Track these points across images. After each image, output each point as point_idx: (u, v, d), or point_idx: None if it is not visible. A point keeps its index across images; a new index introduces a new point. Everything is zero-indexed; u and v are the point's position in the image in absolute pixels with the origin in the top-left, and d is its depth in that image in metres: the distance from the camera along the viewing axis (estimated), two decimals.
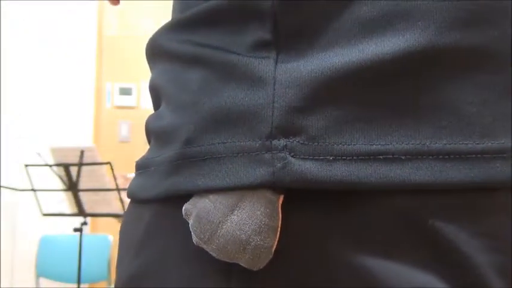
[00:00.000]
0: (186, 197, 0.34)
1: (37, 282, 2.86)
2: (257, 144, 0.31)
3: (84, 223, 2.29)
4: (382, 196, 0.31)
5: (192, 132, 0.34)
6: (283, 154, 0.31)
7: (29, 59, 3.23)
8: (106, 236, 2.91)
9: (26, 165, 2.16)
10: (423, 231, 0.31)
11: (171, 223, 0.35)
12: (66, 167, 2.12)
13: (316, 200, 0.32)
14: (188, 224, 0.33)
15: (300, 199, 0.32)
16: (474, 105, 0.32)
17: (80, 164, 2.10)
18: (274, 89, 0.32)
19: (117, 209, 2.17)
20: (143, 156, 0.40)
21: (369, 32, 0.32)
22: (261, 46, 0.33)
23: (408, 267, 0.31)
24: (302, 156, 0.31)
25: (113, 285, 2.81)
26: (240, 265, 0.32)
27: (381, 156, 0.31)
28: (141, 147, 3.21)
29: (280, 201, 0.32)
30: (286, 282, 0.32)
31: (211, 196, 0.32)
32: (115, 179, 2.05)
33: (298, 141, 0.31)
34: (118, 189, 2.08)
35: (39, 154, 2.19)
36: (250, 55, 0.33)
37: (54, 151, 2.18)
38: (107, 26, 3.39)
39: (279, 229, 0.31)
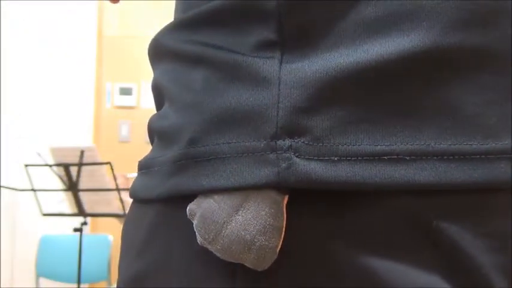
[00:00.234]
0: (189, 197, 0.34)
1: (37, 282, 2.86)
2: (262, 145, 0.31)
3: (84, 223, 2.29)
4: (387, 196, 0.31)
5: (197, 132, 0.34)
6: (288, 154, 0.31)
7: (29, 59, 3.23)
8: (106, 236, 2.91)
9: (26, 165, 2.16)
10: (428, 232, 0.31)
11: (175, 223, 0.35)
12: (66, 167, 2.12)
13: (320, 200, 0.32)
14: (192, 224, 0.33)
15: (304, 199, 0.32)
16: (478, 106, 0.32)
17: (80, 164, 2.09)
18: (279, 89, 0.32)
19: (117, 209, 2.17)
20: (146, 156, 0.40)
21: (373, 32, 0.32)
22: (265, 46, 0.33)
23: (412, 267, 0.31)
24: (307, 157, 0.31)
25: (112, 285, 2.82)
26: (245, 265, 0.32)
27: (385, 157, 0.31)
28: (141, 147, 3.22)
29: (285, 202, 0.32)
30: (290, 282, 0.32)
31: (215, 196, 0.32)
32: (115, 179, 2.05)
33: (303, 142, 0.31)
34: (118, 189, 2.08)
35: (39, 154, 2.19)
36: (255, 55, 0.33)
37: (54, 151, 2.18)
38: (107, 26, 3.39)
39: (283, 229, 0.31)
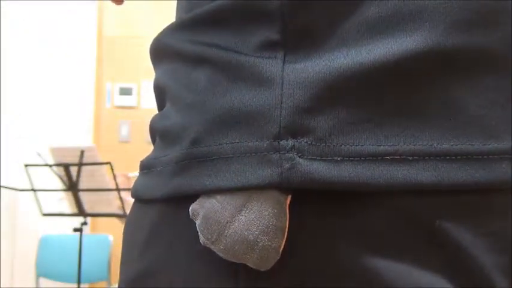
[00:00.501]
0: (192, 197, 0.34)
1: (37, 282, 2.85)
2: (265, 145, 0.31)
3: (84, 223, 2.29)
4: (389, 196, 0.31)
5: (199, 133, 0.34)
6: (291, 155, 0.31)
7: (29, 59, 3.23)
8: (106, 236, 2.91)
9: (26, 165, 2.16)
10: (430, 232, 0.31)
11: (177, 223, 0.35)
12: (66, 167, 2.12)
13: (323, 200, 0.32)
14: (194, 223, 0.33)
15: (307, 199, 0.32)
16: (480, 107, 0.32)
17: (80, 164, 2.09)
18: (282, 90, 0.32)
19: (118, 208, 2.16)
20: (148, 156, 0.40)
21: (376, 32, 0.32)
22: (268, 46, 0.33)
23: (414, 267, 0.31)
24: (310, 157, 0.31)
25: (112, 285, 2.82)
26: (247, 265, 0.32)
27: (388, 157, 0.31)
28: (141, 147, 3.22)
29: (288, 202, 0.32)
30: (293, 282, 0.32)
31: (218, 196, 0.32)
32: (115, 178, 2.05)
33: (306, 142, 0.31)
34: (118, 189, 2.08)
35: (39, 154, 2.19)
36: (258, 55, 0.33)
37: (54, 151, 2.17)
38: (107, 26, 3.39)
39: (286, 229, 0.31)
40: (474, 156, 0.31)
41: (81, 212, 2.22)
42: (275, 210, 0.31)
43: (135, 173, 2.19)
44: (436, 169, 0.31)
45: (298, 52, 0.33)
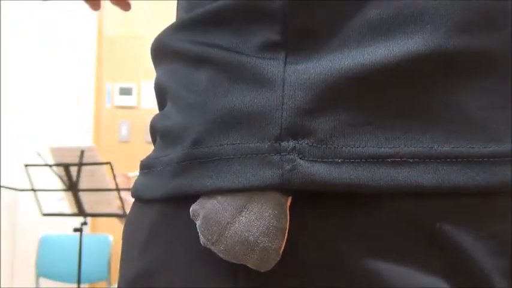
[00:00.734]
0: (192, 197, 0.34)
1: (37, 282, 2.85)
2: (266, 146, 0.31)
3: (84, 223, 2.29)
4: (390, 199, 0.31)
5: (200, 133, 0.34)
6: (292, 156, 0.31)
7: (29, 59, 3.23)
8: (106, 236, 2.91)
9: (26, 165, 2.16)
10: (430, 234, 0.31)
11: (178, 223, 0.35)
12: (66, 167, 2.12)
13: (324, 202, 0.32)
14: (194, 224, 0.33)
15: (308, 201, 0.32)
16: (481, 109, 0.32)
17: (80, 164, 2.09)
18: (283, 91, 0.32)
19: (118, 208, 2.16)
20: (148, 156, 0.40)
21: (378, 34, 0.32)
22: (269, 47, 0.33)
23: (415, 269, 0.31)
24: (311, 159, 0.31)
25: (112, 286, 2.82)
26: (247, 266, 0.32)
27: (389, 159, 0.31)
28: (141, 147, 3.22)
29: (289, 203, 0.32)
30: (293, 283, 0.32)
31: (219, 197, 0.32)
32: (115, 178, 2.05)
33: (307, 143, 0.31)
34: (118, 189, 2.08)
35: (39, 154, 2.19)
36: (259, 56, 0.33)
37: (54, 151, 2.17)
38: (107, 26, 3.39)
39: (287, 231, 0.31)
40: (475, 159, 0.31)
41: (81, 212, 2.22)
42: (276, 212, 0.31)
43: (135, 173, 2.19)
44: (436, 171, 0.31)
45: (299, 53, 0.33)
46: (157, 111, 0.42)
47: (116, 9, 0.57)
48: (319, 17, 0.33)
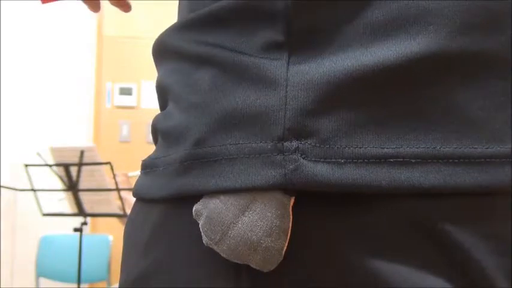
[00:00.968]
0: (195, 197, 0.34)
1: (37, 282, 2.85)
2: (269, 146, 0.31)
3: (84, 223, 2.29)
4: (392, 199, 0.31)
5: (203, 133, 0.34)
6: (295, 156, 0.31)
7: (29, 59, 3.23)
8: (106, 236, 2.91)
9: (26, 165, 2.16)
10: (432, 234, 0.31)
11: (180, 223, 0.35)
12: (66, 167, 2.12)
13: (326, 202, 0.32)
14: (197, 224, 0.33)
15: (310, 201, 0.32)
16: (484, 110, 0.32)
17: (80, 164, 2.09)
18: (286, 91, 0.32)
19: (118, 209, 2.16)
20: (150, 156, 0.40)
21: (381, 35, 0.32)
22: (273, 47, 0.33)
23: (417, 269, 0.31)
24: (313, 159, 0.31)
25: (112, 286, 2.81)
26: (250, 265, 0.32)
27: (391, 160, 0.31)
28: (141, 147, 3.22)
29: (292, 203, 0.32)
30: (295, 283, 0.32)
31: (222, 197, 0.32)
32: (114, 177, 2.05)
33: (310, 144, 0.31)
34: (118, 189, 2.08)
35: (39, 154, 2.19)
36: (262, 56, 0.33)
37: (54, 151, 2.17)
38: (107, 26, 3.39)
39: (289, 231, 0.31)
40: (477, 160, 0.31)
41: (81, 212, 2.22)
42: (278, 212, 0.31)
43: (135, 173, 2.19)
44: (438, 172, 0.31)
45: (302, 53, 0.33)
46: (158, 111, 0.42)
47: (116, 9, 0.57)
48: (323, 17, 0.33)
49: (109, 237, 2.89)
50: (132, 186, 0.42)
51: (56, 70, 3.26)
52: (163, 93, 0.40)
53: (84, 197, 2.20)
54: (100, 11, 0.56)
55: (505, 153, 0.31)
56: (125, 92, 3.38)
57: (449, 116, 0.31)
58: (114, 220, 2.38)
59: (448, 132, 0.31)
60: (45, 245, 2.89)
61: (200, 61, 0.36)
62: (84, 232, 2.31)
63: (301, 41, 0.33)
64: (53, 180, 2.18)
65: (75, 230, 2.25)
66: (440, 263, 0.31)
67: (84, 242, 2.36)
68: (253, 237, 0.31)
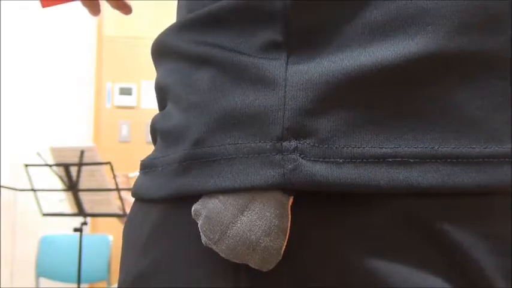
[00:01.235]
0: (194, 197, 0.34)
1: (37, 282, 2.85)
2: (268, 146, 0.31)
3: (84, 223, 2.29)
4: (390, 198, 0.31)
5: (202, 133, 0.34)
6: (293, 156, 0.31)
7: (29, 59, 3.23)
8: (106, 236, 2.91)
9: (26, 165, 2.16)
10: (431, 234, 0.31)
11: (179, 223, 0.35)
12: (66, 167, 2.12)
13: (325, 201, 0.32)
14: (196, 223, 0.33)
15: (309, 200, 0.32)
16: (482, 110, 0.32)
17: (80, 164, 2.09)
18: (285, 91, 0.32)
19: (118, 209, 2.16)
20: (149, 156, 0.40)
21: (379, 35, 0.32)
22: (271, 47, 0.33)
23: (415, 269, 0.31)
24: (312, 158, 0.31)
25: (112, 286, 2.81)
26: (249, 265, 0.32)
27: (390, 159, 0.31)
28: (141, 147, 3.22)
29: (290, 203, 0.32)
30: (294, 282, 0.32)
31: (221, 197, 0.32)
32: (114, 177, 2.05)
33: (309, 143, 0.31)
34: (118, 189, 2.08)
35: (39, 154, 2.19)
36: (261, 56, 0.33)
37: (54, 151, 2.17)
38: (107, 25, 3.39)
39: (288, 230, 0.31)
40: (475, 159, 0.31)
41: (81, 212, 2.22)
42: (277, 211, 0.31)
43: (135, 173, 2.19)
44: (437, 172, 0.31)
45: (301, 53, 0.33)
46: (158, 111, 0.42)
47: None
48: (321, 17, 0.33)
49: (109, 237, 2.89)
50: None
51: (56, 70, 3.26)
52: (163, 93, 0.40)
53: (84, 197, 2.20)
54: (101, 9, 0.56)
55: (504, 153, 0.31)
56: (125, 92, 3.38)
57: (448, 116, 0.32)
58: (114, 220, 2.38)
59: (447, 132, 0.31)
60: (45, 245, 2.89)
61: (199, 61, 0.36)
62: (84, 232, 2.31)
63: (300, 41, 0.33)
64: (53, 180, 2.18)
65: (75, 230, 2.25)
66: (439, 263, 0.31)
67: (84, 242, 2.36)
68: (252, 236, 0.31)
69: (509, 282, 0.32)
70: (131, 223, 0.41)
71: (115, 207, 2.18)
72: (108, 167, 2.05)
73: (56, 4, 0.53)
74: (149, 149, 0.41)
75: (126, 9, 0.55)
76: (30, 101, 3.22)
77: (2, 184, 2.64)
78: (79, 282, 2.28)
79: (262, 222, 0.31)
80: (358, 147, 0.31)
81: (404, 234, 0.31)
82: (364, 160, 0.31)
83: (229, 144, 0.32)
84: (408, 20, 0.32)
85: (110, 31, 3.39)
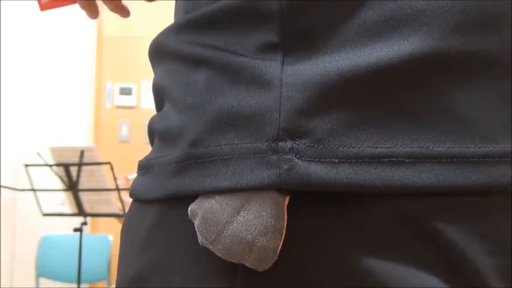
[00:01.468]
0: (191, 197, 0.34)
1: (37, 282, 2.86)
2: (264, 146, 0.32)
3: (84, 223, 2.29)
4: (387, 198, 0.31)
5: (199, 134, 0.34)
6: (289, 156, 0.31)
7: (29, 59, 3.23)
8: (106, 236, 2.91)
9: (26, 165, 2.16)
10: (426, 233, 0.31)
11: (176, 223, 0.35)
12: (66, 167, 2.12)
13: (321, 201, 0.32)
14: (193, 224, 0.33)
15: (305, 200, 0.32)
16: (477, 110, 0.32)
17: (80, 164, 2.10)
18: (281, 92, 0.32)
19: (118, 209, 2.17)
20: (146, 157, 0.40)
21: (374, 35, 0.32)
22: (267, 48, 0.33)
23: (412, 268, 0.31)
24: (308, 159, 0.31)
25: (112, 286, 2.82)
26: (246, 265, 0.32)
27: (385, 159, 0.31)
28: (141, 147, 3.22)
29: (286, 203, 0.32)
30: (290, 282, 0.32)
31: (217, 197, 0.32)
32: (115, 179, 2.05)
33: (304, 144, 0.31)
34: (118, 189, 2.08)
35: (39, 154, 2.19)
36: (257, 57, 0.33)
37: (54, 151, 2.18)
38: (107, 25, 3.39)
39: (284, 230, 0.32)
40: (470, 159, 0.31)
41: (81, 212, 2.22)
42: (273, 211, 0.31)
43: (134, 175, 2.19)
44: (432, 171, 0.31)
45: (297, 54, 0.33)
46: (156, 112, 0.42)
47: None
48: (317, 18, 0.33)
49: (109, 237, 2.90)
50: None
51: (56, 70, 3.26)
52: (160, 94, 0.40)
53: (84, 197, 2.20)
54: (100, 11, 0.56)
55: (499, 152, 0.32)
56: (125, 92, 3.38)
57: (443, 116, 0.32)
58: (114, 220, 2.38)
59: (442, 131, 0.31)
60: (45, 245, 2.89)
61: (196, 62, 0.36)
62: (84, 232, 2.31)
63: (296, 42, 0.33)
64: (53, 180, 2.19)
65: (75, 230, 2.26)
66: (435, 263, 0.31)
67: (84, 242, 2.36)
68: (248, 236, 0.31)
69: (504, 281, 0.32)
70: (129, 223, 0.41)
71: (115, 207, 2.18)
72: (108, 167, 2.06)
73: (54, 7, 0.53)
74: (149, 149, 0.41)
75: (124, 12, 0.55)
76: (30, 101, 3.22)
77: (2, 184, 2.64)
78: (79, 282, 2.28)
79: (259, 222, 0.31)
80: (354, 147, 0.31)
81: (400, 234, 0.32)
82: (360, 160, 0.31)
83: (226, 144, 0.33)
84: (403, 20, 0.32)
85: (110, 31, 3.39)
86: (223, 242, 0.32)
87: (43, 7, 0.53)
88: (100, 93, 3.39)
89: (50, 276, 2.85)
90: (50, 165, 2.13)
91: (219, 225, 0.32)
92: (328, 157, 0.31)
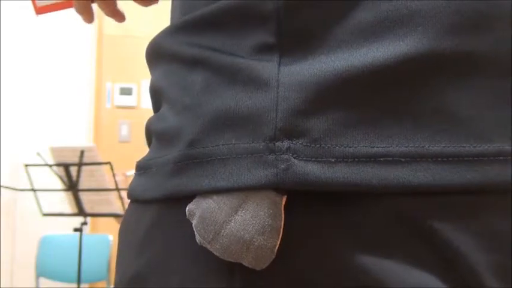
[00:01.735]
0: (188, 197, 0.34)
1: (37, 282, 2.86)
2: (261, 146, 0.32)
3: (84, 223, 2.29)
4: (382, 197, 0.32)
5: (196, 134, 0.34)
6: (286, 156, 0.31)
7: (29, 59, 3.24)
8: (106, 236, 2.91)
9: (26, 165, 2.17)
10: (422, 232, 0.32)
11: (174, 223, 0.36)
12: (66, 167, 2.12)
13: (318, 200, 0.32)
14: (191, 224, 0.34)
15: (302, 200, 0.32)
16: (472, 109, 0.32)
17: (80, 164, 2.10)
18: (277, 92, 0.32)
19: (118, 209, 2.17)
20: (144, 157, 0.40)
21: (370, 36, 0.32)
22: (264, 49, 0.34)
23: (407, 267, 0.31)
24: (305, 158, 0.31)
25: (112, 285, 2.82)
26: (243, 264, 0.32)
27: (381, 159, 0.31)
28: (141, 147, 3.21)
29: (284, 202, 0.32)
30: (288, 281, 0.32)
31: (215, 197, 0.33)
32: (115, 178, 2.05)
33: (301, 143, 0.31)
34: (118, 189, 2.09)
35: (39, 154, 2.20)
36: (254, 58, 0.34)
37: (54, 151, 2.18)
38: (107, 25, 3.39)
39: (281, 229, 0.32)
40: (465, 158, 0.31)
41: (81, 212, 2.23)
42: (271, 211, 0.31)
43: (131, 171, 2.20)
44: (428, 170, 0.31)
45: (293, 54, 0.33)
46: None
47: None
48: (313, 18, 0.33)
49: (109, 237, 2.90)
50: None
51: (56, 70, 3.26)
52: (157, 95, 0.41)
53: (84, 197, 2.20)
54: (100, 10, 0.57)
55: (493, 151, 0.32)
56: (125, 92, 3.38)
57: (438, 116, 0.32)
58: (114, 220, 2.39)
59: (437, 131, 0.32)
60: (45, 245, 2.89)
61: (193, 63, 0.36)
62: (84, 232, 2.32)
63: (292, 42, 0.33)
64: (53, 180, 2.19)
65: (75, 230, 2.26)
66: (432, 261, 0.32)
67: (84, 242, 2.37)
68: (246, 235, 0.31)
69: (501, 280, 0.33)
70: (127, 224, 0.41)
71: (115, 207, 2.18)
72: (107, 167, 2.06)
73: (50, 11, 0.54)
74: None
75: (119, 17, 0.56)
76: (30, 101, 3.23)
77: (2, 184, 2.64)
78: (79, 282, 2.29)
79: (256, 222, 0.31)
80: (350, 147, 0.31)
81: (397, 233, 0.32)
82: (356, 159, 0.31)
83: (223, 144, 0.33)
84: (398, 21, 0.32)
85: (110, 31, 3.40)
86: (221, 241, 0.32)
87: (38, 11, 0.53)
88: (100, 93, 3.39)
89: (50, 276, 2.86)
90: (50, 165, 2.14)
91: (216, 224, 0.32)
92: (325, 157, 0.31)
